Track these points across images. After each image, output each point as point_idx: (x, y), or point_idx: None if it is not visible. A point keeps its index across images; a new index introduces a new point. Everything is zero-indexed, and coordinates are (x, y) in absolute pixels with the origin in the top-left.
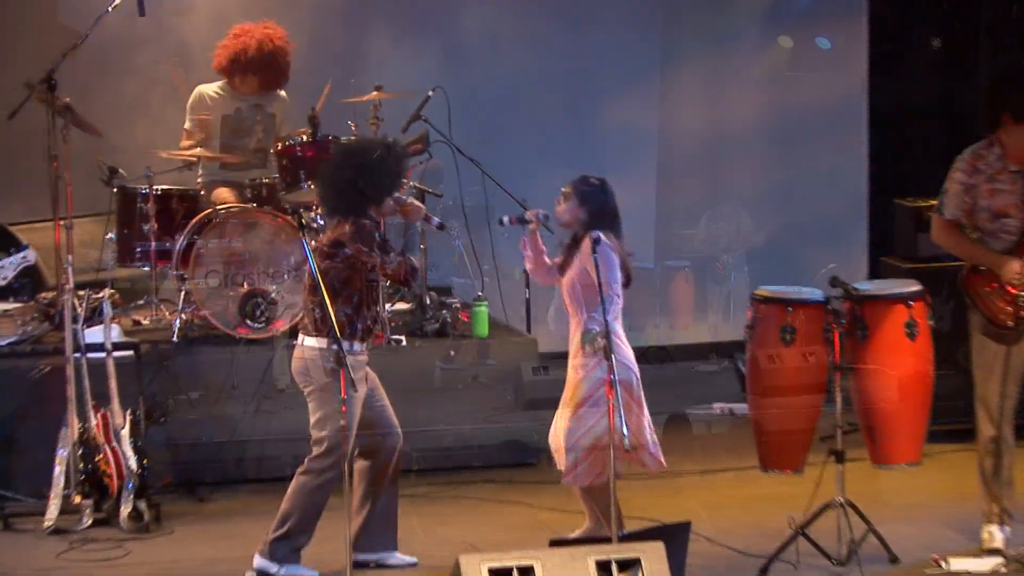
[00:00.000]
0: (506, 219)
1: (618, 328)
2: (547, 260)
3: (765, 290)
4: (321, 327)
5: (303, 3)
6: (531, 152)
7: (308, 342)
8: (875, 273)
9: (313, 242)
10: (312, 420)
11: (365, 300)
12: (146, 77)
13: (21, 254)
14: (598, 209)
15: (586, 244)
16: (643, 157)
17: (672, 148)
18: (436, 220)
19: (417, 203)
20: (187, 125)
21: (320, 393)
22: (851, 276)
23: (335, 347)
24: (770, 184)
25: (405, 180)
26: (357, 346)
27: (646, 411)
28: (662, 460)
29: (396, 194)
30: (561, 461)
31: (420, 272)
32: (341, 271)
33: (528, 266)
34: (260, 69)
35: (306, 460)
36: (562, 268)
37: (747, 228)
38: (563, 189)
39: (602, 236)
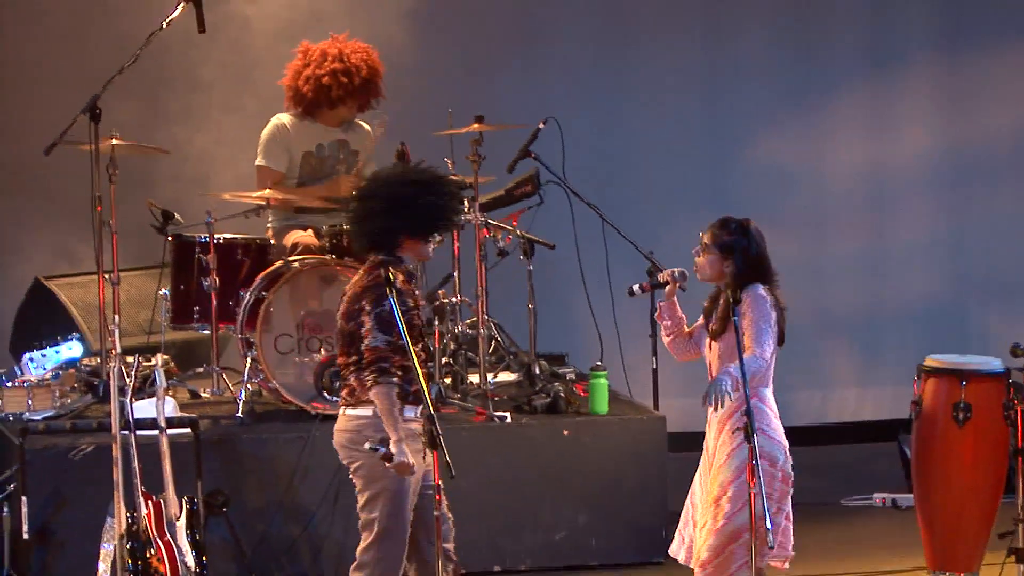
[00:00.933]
0: (637, 288)
1: (768, 395)
2: (687, 329)
3: (934, 360)
4: (361, 393)
5: (385, 14)
6: (659, 196)
7: (351, 412)
8: None
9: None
10: (360, 502)
11: (410, 361)
12: (210, 104)
13: (68, 344)
14: (747, 257)
15: (747, 304)
16: (790, 201)
17: (824, 190)
18: (382, 448)
19: (403, 462)
20: (262, 161)
21: (368, 470)
22: None
23: (408, 412)
24: (940, 232)
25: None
26: (409, 411)
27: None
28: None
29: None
30: (694, 557)
31: (388, 377)
32: (360, 327)
33: (666, 339)
34: (354, 97)
35: (357, 552)
36: (715, 335)
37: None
38: (701, 237)
39: (759, 287)
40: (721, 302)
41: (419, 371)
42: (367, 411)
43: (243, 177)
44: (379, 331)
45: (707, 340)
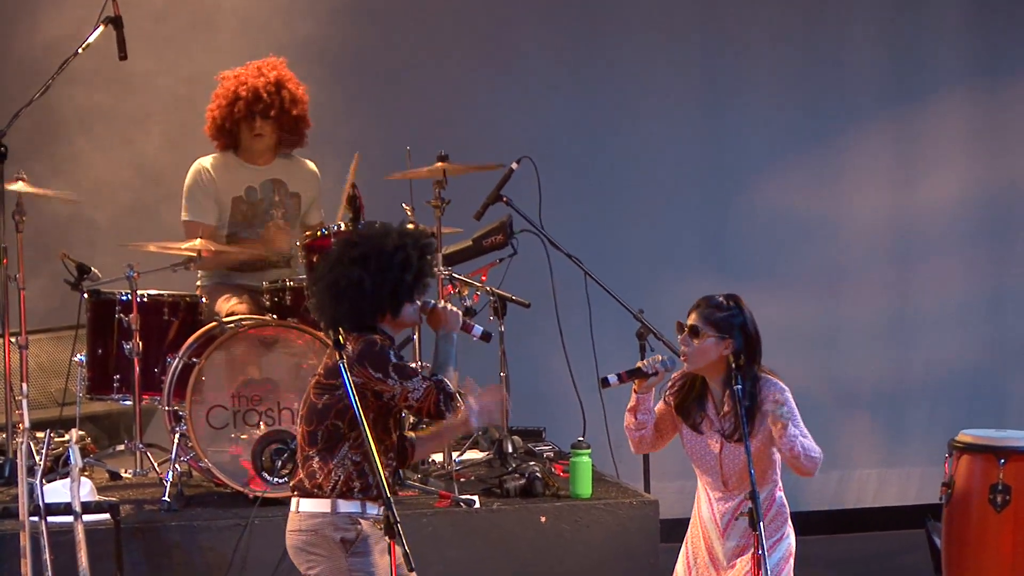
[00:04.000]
0: (613, 378)
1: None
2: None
3: (968, 435)
4: (324, 484)
5: (335, 50)
6: (650, 246)
7: (307, 507)
8: None
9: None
10: None
11: (380, 443)
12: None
13: None
14: (746, 335)
15: (764, 398)
16: (802, 254)
17: (841, 242)
18: (478, 329)
19: (452, 308)
20: (186, 215)
21: (333, 574)
22: None
23: (370, 510)
24: (974, 290)
25: (435, 276)
26: (372, 508)
27: None
28: None
29: (419, 298)
30: None
31: (455, 393)
32: (347, 408)
33: (634, 435)
34: (272, 108)
35: None
36: (730, 436)
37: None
38: (684, 325)
39: (778, 381)
40: (727, 397)
41: (376, 460)
42: (324, 506)
43: (170, 226)
44: (411, 381)
45: (710, 440)
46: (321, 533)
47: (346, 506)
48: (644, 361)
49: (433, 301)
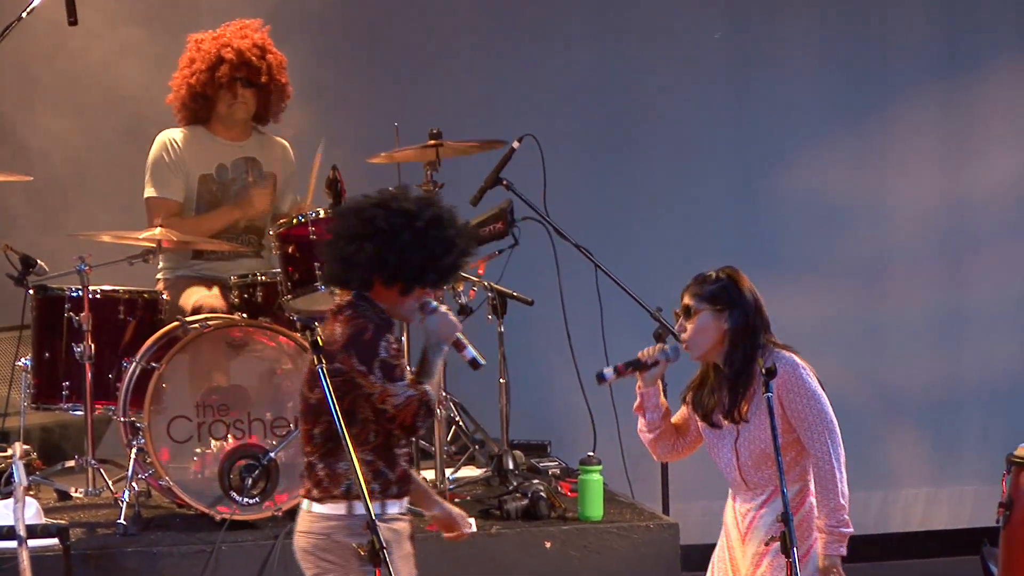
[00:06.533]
0: (608, 372)
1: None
2: (672, 421)
3: None
4: (331, 487)
5: (317, 16)
6: (669, 235)
7: (318, 509)
8: None
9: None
10: None
11: (389, 434)
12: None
13: None
14: (746, 317)
15: (782, 381)
16: (842, 246)
17: (886, 232)
18: (470, 352)
19: (452, 318)
20: (151, 191)
21: None
22: None
23: (391, 508)
24: None
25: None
26: (393, 506)
27: None
28: None
29: (432, 292)
30: None
31: (436, 411)
32: (340, 398)
33: (647, 436)
34: (253, 86)
35: None
36: (729, 415)
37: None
38: (684, 302)
39: (793, 356)
40: (729, 374)
41: (355, 461)
42: (338, 508)
43: (128, 210)
44: (395, 384)
45: (727, 432)
46: (334, 538)
47: (362, 507)
48: (644, 351)
49: (436, 304)
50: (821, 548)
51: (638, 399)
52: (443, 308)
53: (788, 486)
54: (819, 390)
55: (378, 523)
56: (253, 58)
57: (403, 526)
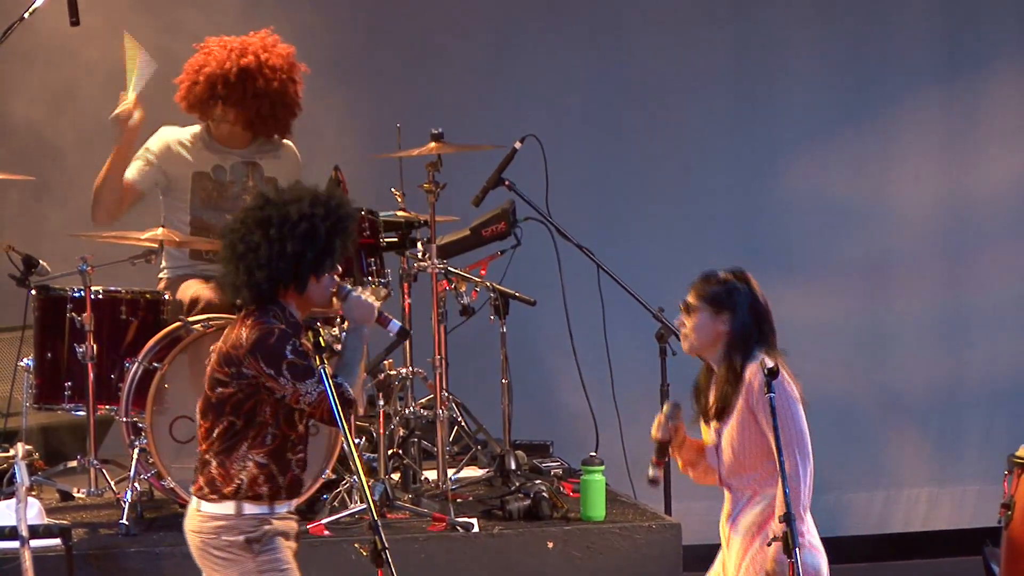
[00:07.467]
0: (655, 472)
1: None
2: (701, 440)
3: None
4: (223, 486)
5: (319, 9)
6: (671, 235)
7: (208, 509)
8: None
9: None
10: None
11: (286, 438)
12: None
13: None
14: (747, 319)
15: (752, 378)
16: (844, 245)
17: (888, 231)
18: (395, 324)
19: (367, 298)
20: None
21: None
22: None
23: (279, 508)
24: None
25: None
26: (281, 507)
27: None
28: None
29: (331, 280)
30: None
31: (358, 404)
32: (243, 400)
33: (691, 473)
34: (250, 103)
35: None
36: (719, 414)
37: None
38: (687, 298)
39: (769, 363)
40: (719, 374)
41: (359, 465)
42: (227, 508)
43: (129, 211)
44: (305, 383)
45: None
46: (224, 537)
47: (252, 508)
48: (655, 432)
49: (348, 288)
50: (773, 552)
51: (670, 450)
52: (357, 291)
53: (764, 491)
54: (795, 402)
55: (270, 519)
56: (235, 78)
57: (291, 524)
